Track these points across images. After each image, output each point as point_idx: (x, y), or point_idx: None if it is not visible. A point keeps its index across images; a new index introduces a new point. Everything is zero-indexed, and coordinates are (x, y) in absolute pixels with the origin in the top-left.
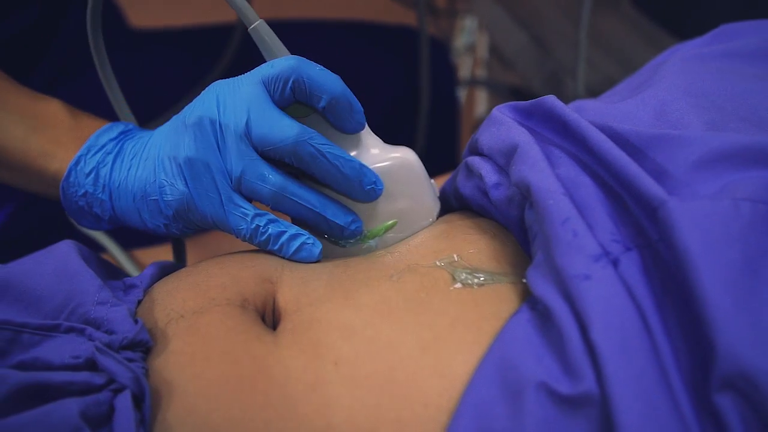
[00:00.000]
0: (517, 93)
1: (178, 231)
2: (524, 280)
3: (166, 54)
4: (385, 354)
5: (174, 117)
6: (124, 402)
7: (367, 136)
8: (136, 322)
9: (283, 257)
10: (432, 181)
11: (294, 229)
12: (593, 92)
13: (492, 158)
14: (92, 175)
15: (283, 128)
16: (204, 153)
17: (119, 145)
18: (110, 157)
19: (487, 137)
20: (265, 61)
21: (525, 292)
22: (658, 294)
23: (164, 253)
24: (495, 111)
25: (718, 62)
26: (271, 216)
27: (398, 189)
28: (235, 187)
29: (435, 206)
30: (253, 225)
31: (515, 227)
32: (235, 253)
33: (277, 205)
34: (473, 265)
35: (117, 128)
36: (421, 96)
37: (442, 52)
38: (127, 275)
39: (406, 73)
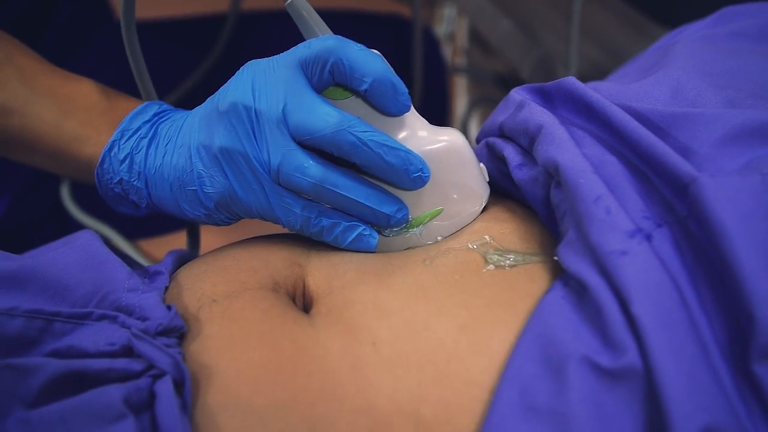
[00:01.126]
0: (503, 81)
1: (221, 221)
2: (555, 258)
3: (158, 45)
4: (424, 334)
5: (208, 99)
6: (165, 387)
7: (412, 117)
8: (168, 308)
9: (338, 247)
10: (481, 165)
11: (348, 220)
12: (583, 79)
13: (514, 139)
14: (126, 162)
15: (322, 116)
16: (240, 143)
17: (153, 129)
18: (144, 142)
19: (508, 119)
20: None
21: (555, 271)
22: (690, 269)
23: (169, 244)
24: (513, 93)
25: (727, 43)
26: (321, 206)
27: (445, 174)
28: (273, 179)
29: (484, 193)
30: (304, 217)
31: (540, 207)
32: (259, 237)
33: (318, 197)
34: (504, 246)
35: (151, 109)
36: (414, 85)
37: (433, 41)
38: (138, 265)
39: (399, 61)
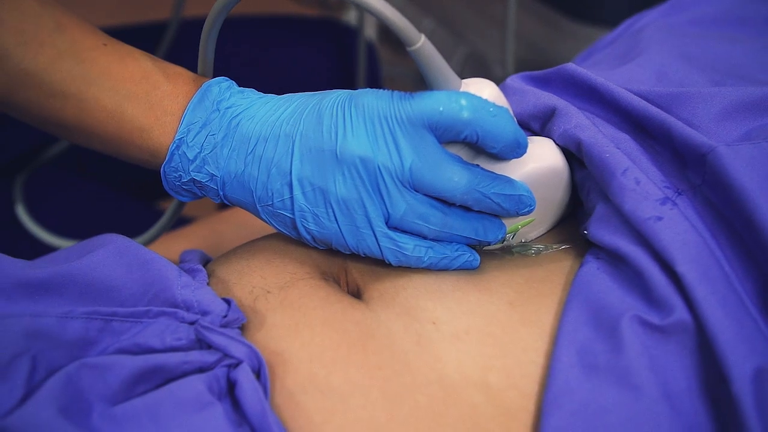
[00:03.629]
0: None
1: (306, 243)
2: (585, 232)
3: None
4: (477, 311)
5: (302, 110)
6: (245, 375)
7: None
8: (227, 301)
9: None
10: (569, 174)
11: (452, 251)
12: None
13: (522, 124)
14: (196, 162)
15: (452, 179)
16: (359, 195)
17: (223, 125)
18: (215, 141)
19: (515, 105)
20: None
21: (578, 251)
22: (711, 230)
23: None
24: (510, 81)
25: (692, 28)
26: (428, 242)
27: (543, 192)
28: (392, 225)
29: (570, 200)
30: (414, 257)
31: None
32: None
33: (436, 238)
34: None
35: (212, 91)
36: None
37: (372, 48)
38: None
39: (338, 63)
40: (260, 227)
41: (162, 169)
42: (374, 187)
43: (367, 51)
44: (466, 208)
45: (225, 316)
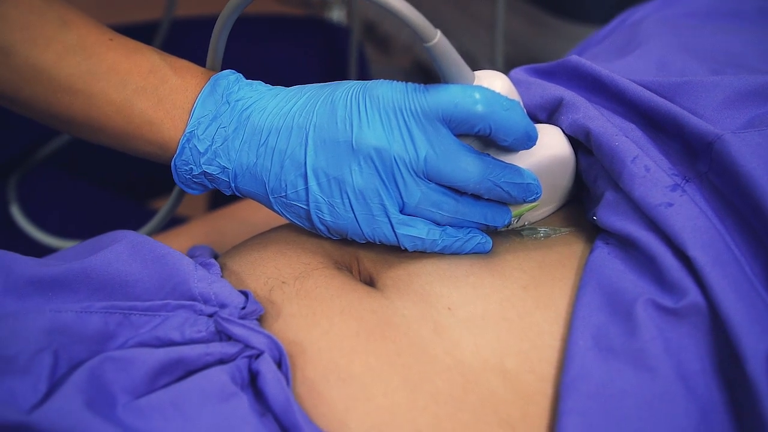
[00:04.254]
0: (419, 72)
1: (317, 232)
2: (594, 218)
3: None
4: (492, 296)
5: (313, 102)
6: (267, 365)
7: None
8: (244, 294)
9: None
10: (574, 162)
11: (464, 234)
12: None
13: (531, 115)
14: (208, 155)
15: (465, 169)
16: (375, 183)
17: (234, 118)
18: (226, 133)
19: (521, 96)
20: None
21: (586, 236)
22: (719, 216)
23: None
24: (514, 73)
25: (690, 21)
26: (441, 226)
27: (549, 179)
28: (407, 212)
29: (573, 186)
30: (429, 241)
31: None
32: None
33: (448, 224)
34: (532, 224)
35: (221, 84)
36: None
37: (362, 50)
38: None
39: (327, 62)
40: (262, 223)
41: (173, 163)
42: (390, 177)
43: (357, 50)
44: (476, 196)
45: (243, 308)
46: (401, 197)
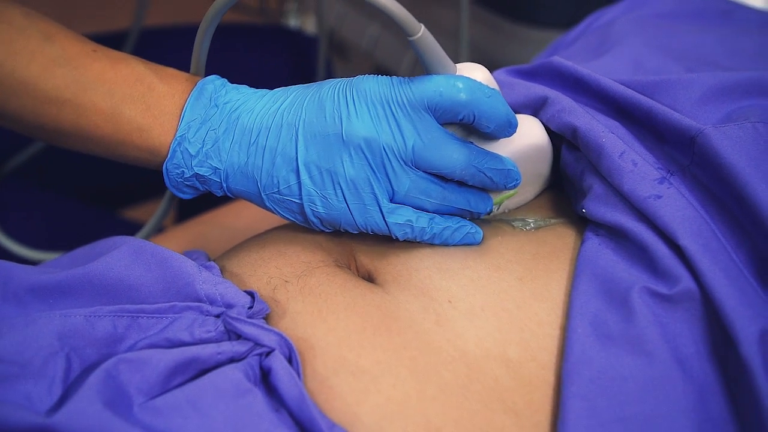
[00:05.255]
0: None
1: (309, 227)
2: (583, 211)
3: None
4: (489, 288)
5: (301, 100)
6: (279, 362)
7: None
8: (250, 294)
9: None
10: (551, 150)
11: (454, 222)
12: None
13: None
14: (199, 157)
15: (451, 156)
16: (367, 173)
17: (223, 120)
18: (217, 135)
19: (505, 96)
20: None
21: (575, 227)
22: (703, 206)
23: None
24: (496, 74)
25: (660, 21)
26: (430, 214)
27: (527, 167)
28: (396, 201)
29: (551, 174)
30: (418, 228)
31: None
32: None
33: (435, 210)
34: (521, 216)
35: (208, 88)
36: None
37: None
38: None
39: (294, 69)
40: (244, 227)
41: (164, 167)
42: (380, 166)
43: (311, 54)
44: (460, 183)
45: (250, 308)
46: (391, 186)
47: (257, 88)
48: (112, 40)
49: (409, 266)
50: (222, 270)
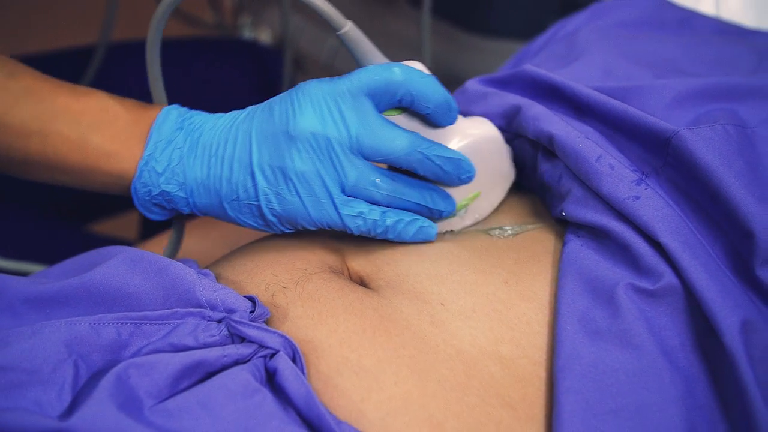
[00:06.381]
0: None
1: (277, 230)
2: (563, 213)
3: None
4: (477, 291)
5: (249, 113)
6: (285, 362)
7: None
8: (251, 299)
9: (401, 241)
10: (507, 146)
11: (407, 216)
12: None
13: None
14: (166, 175)
15: (394, 141)
16: (315, 167)
17: (188, 138)
18: (182, 153)
19: (480, 106)
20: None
21: (553, 231)
22: (679, 205)
23: None
24: (469, 85)
25: (623, 30)
26: (383, 207)
27: (482, 162)
28: (348, 193)
29: (511, 172)
30: (371, 221)
31: (523, 177)
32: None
33: (389, 204)
34: (497, 224)
35: (172, 114)
36: None
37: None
38: None
39: (257, 81)
40: (218, 237)
41: (132, 186)
42: (326, 158)
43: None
44: (414, 176)
45: (252, 312)
46: (340, 177)
47: (219, 99)
48: (79, 55)
49: (399, 272)
50: (218, 277)
